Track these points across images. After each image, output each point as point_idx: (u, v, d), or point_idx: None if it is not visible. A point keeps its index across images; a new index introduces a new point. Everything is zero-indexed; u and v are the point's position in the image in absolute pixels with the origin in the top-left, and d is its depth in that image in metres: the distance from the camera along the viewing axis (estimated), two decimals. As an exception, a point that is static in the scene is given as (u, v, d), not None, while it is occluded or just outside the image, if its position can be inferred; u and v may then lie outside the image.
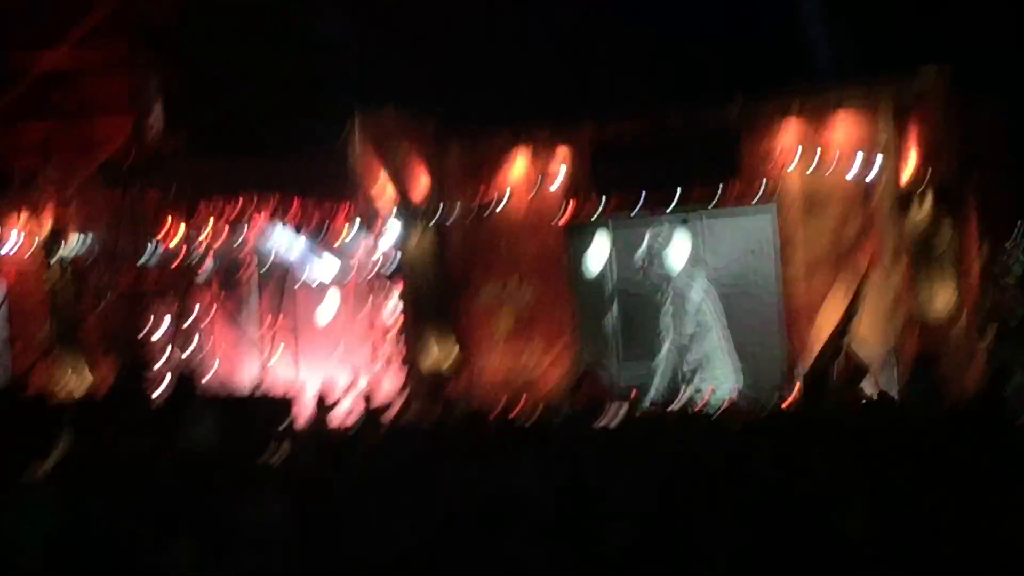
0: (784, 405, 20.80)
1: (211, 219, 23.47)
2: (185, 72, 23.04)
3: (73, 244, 23.55)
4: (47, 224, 23.48)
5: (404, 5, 27.14)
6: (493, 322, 24.52)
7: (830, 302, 22.70)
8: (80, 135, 22.84)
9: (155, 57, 22.67)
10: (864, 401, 19.99)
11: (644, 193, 23.39)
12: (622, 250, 24.07)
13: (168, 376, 21.79)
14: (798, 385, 21.82)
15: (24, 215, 23.80)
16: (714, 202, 23.10)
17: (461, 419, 17.14)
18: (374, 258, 24.32)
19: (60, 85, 22.94)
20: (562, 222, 24.02)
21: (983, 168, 22.49)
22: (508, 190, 24.13)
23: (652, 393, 23.34)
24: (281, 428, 17.06)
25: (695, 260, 23.70)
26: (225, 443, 14.47)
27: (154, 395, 20.44)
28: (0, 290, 24.48)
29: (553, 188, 23.99)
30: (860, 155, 22.44)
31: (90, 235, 23.45)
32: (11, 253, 24.15)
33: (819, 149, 22.59)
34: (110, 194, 22.98)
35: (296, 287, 24.56)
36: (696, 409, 21.05)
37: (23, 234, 23.94)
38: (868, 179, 22.49)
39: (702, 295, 23.65)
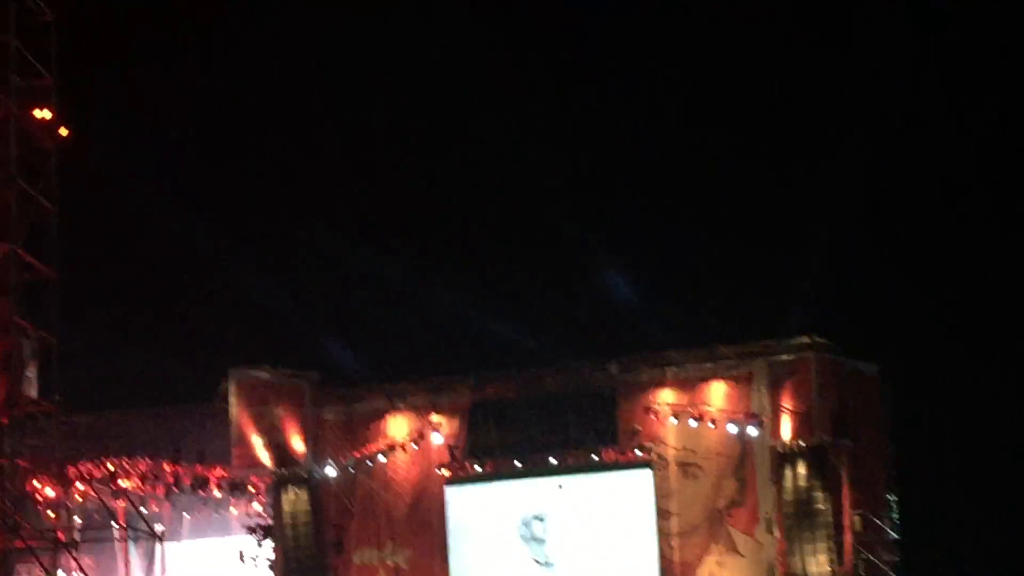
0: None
1: (80, 483, 23.11)
2: (61, 330, 22.44)
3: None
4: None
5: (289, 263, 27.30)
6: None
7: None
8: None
9: (30, 317, 22.10)
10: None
11: (521, 456, 23.63)
12: (500, 510, 24.00)
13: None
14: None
15: None
16: (591, 465, 23.45)
17: None
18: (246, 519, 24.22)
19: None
20: (439, 483, 23.97)
21: (857, 435, 22.89)
22: (384, 452, 23.99)
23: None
24: None
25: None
26: None
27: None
28: None
29: (429, 448, 23.96)
30: (734, 420, 22.81)
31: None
32: None
33: (695, 414, 22.95)
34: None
35: (167, 549, 24.17)
36: None
37: None
38: (743, 444, 22.86)
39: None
